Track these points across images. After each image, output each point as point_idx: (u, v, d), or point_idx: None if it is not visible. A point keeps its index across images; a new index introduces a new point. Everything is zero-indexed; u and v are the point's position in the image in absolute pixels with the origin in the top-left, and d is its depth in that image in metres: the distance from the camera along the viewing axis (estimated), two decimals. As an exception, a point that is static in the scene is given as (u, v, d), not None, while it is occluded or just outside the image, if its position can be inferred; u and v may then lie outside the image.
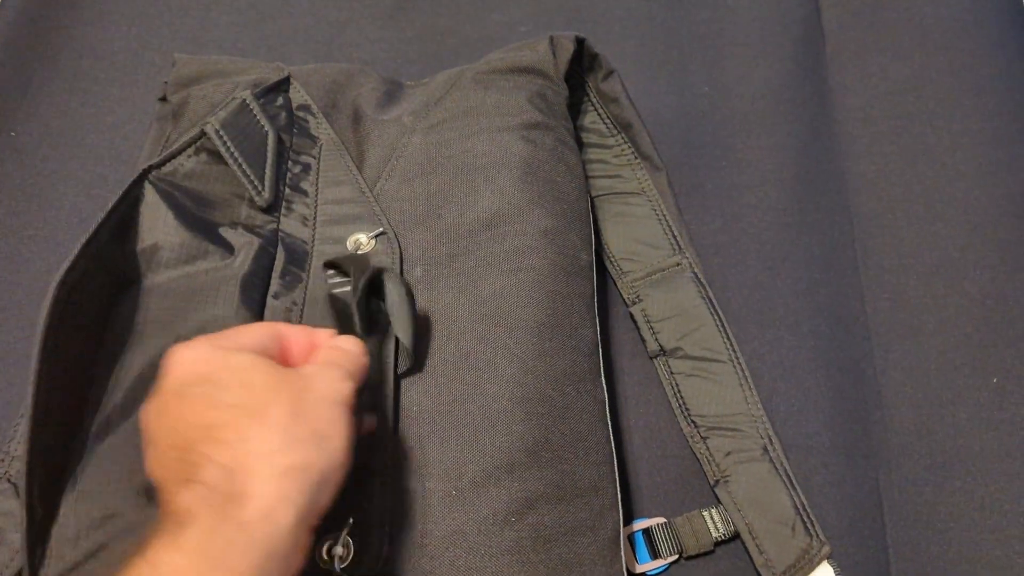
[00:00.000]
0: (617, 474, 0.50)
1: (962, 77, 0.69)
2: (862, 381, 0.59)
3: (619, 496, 0.50)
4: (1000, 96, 0.68)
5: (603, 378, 0.53)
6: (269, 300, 0.51)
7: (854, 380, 0.59)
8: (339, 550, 0.41)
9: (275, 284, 0.52)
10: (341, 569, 0.41)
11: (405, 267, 0.53)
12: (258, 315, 0.50)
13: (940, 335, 0.60)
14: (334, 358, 0.40)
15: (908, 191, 0.66)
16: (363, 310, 0.47)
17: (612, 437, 0.51)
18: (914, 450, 0.57)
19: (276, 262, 0.53)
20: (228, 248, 0.52)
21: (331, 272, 0.52)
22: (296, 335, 0.42)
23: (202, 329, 0.47)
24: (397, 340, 0.48)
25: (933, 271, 0.62)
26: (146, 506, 0.43)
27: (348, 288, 0.49)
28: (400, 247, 0.53)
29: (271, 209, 0.55)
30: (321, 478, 0.35)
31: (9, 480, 0.49)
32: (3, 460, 0.50)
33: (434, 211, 0.54)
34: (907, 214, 0.65)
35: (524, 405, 0.47)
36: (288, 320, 0.50)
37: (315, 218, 0.55)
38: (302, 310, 0.51)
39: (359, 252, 0.53)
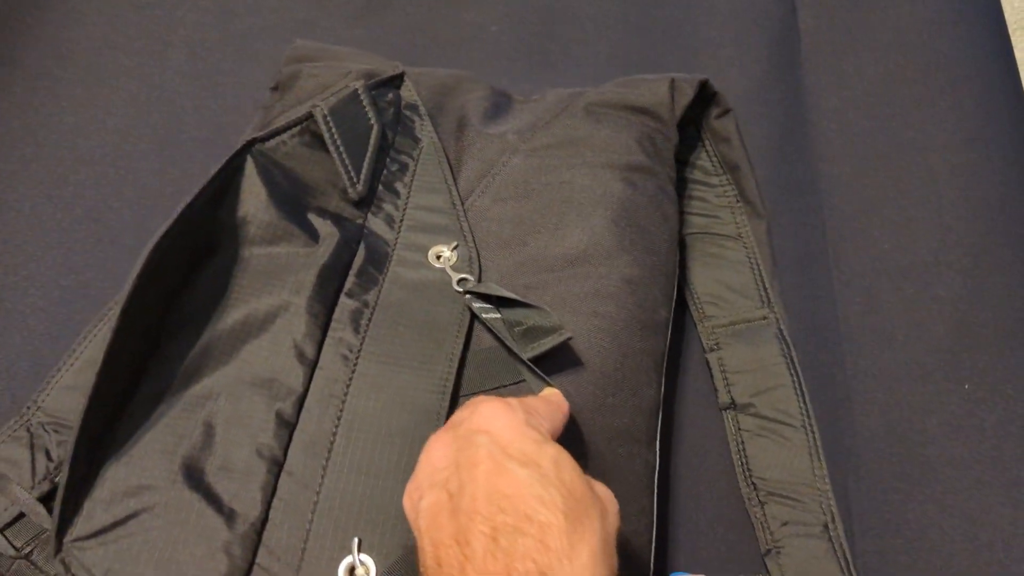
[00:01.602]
0: (654, 545, 0.48)
1: (937, 78, 0.69)
2: (832, 386, 0.59)
3: (652, 567, 0.48)
4: (975, 98, 0.68)
5: (658, 443, 0.51)
6: (342, 297, 0.50)
7: (824, 385, 0.59)
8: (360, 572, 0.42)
9: (350, 281, 0.51)
10: None
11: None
12: (329, 310, 0.49)
13: (912, 340, 0.60)
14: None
15: (882, 194, 0.65)
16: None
17: (656, 506, 0.50)
18: (884, 457, 0.56)
19: (356, 259, 0.52)
20: (313, 235, 0.51)
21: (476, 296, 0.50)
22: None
23: (274, 312, 0.48)
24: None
25: (905, 275, 0.62)
26: (183, 487, 0.43)
27: (494, 315, 0.49)
28: (481, 268, 0.52)
29: (361, 204, 0.54)
30: None
31: (28, 429, 0.48)
32: (28, 408, 0.49)
33: (520, 237, 0.53)
34: (880, 217, 0.65)
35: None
36: (355, 322, 0.49)
37: (402, 221, 0.54)
38: (372, 314, 0.50)
39: (436, 265, 0.52)
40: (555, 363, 0.48)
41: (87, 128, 0.69)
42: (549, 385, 0.46)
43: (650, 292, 0.53)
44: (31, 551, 0.44)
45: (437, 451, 0.37)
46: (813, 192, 0.66)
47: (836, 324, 0.61)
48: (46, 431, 0.48)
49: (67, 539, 0.43)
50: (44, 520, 0.44)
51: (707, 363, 0.59)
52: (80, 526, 0.43)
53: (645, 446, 0.50)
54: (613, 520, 0.36)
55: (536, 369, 0.46)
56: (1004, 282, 0.61)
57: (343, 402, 0.46)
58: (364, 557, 0.42)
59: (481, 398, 0.38)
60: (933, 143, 0.66)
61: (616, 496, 0.45)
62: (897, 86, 0.70)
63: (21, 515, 0.45)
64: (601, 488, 0.37)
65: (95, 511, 0.43)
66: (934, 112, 0.68)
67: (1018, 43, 0.75)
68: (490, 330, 0.49)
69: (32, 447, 0.47)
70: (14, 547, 0.44)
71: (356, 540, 0.42)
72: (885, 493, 0.55)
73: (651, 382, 0.51)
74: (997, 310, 0.60)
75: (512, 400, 0.38)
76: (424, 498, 0.35)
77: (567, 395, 0.45)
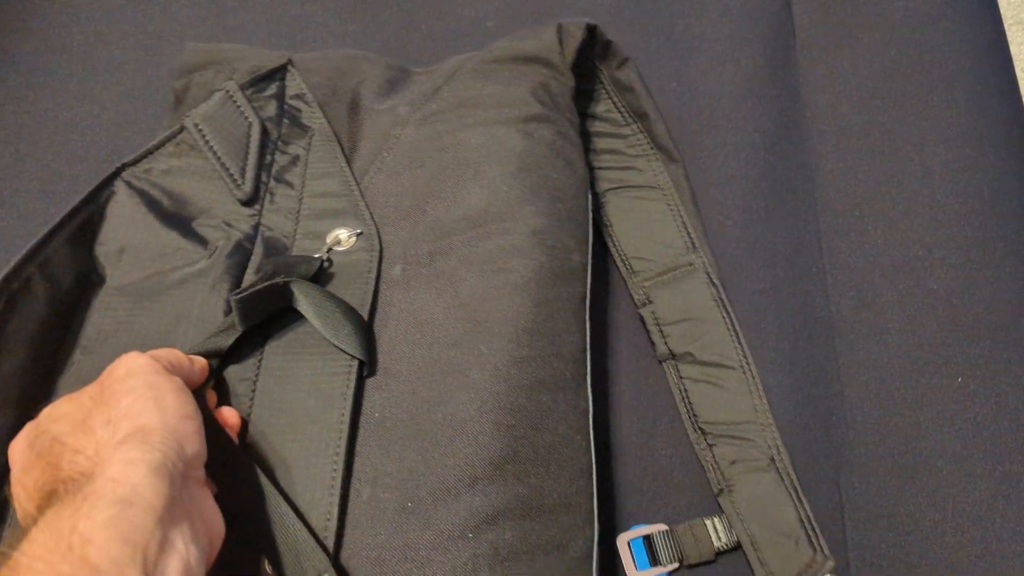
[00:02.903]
0: (596, 488, 0.49)
1: (931, 73, 0.69)
2: (825, 380, 0.59)
3: (595, 511, 0.48)
4: (969, 93, 0.68)
5: (589, 387, 0.51)
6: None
7: (816, 379, 0.59)
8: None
9: (248, 279, 0.50)
10: None
11: (384, 266, 0.51)
12: (226, 312, 0.49)
13: (905, 334, 0.60)
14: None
15: (875, 189, 0.65)
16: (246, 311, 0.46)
17: (598, 448, 0.50)
18: (876, 451, 0.56)
19: (253, 257, 0.51)
20: (203, 244, 0.51)
21: None
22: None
23: (173, 327, 0.48)
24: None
25: (899, 269, 0.62)
26: None
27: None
28: (381, 245, 0.51)
29: (252, 202, 0.54)
30: (162, 433, 0.36)
31: None
32: None
33: (419, 207, 0.53)
34: (874, 212, 0.64)
35: (493, 415, 0.45)
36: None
37: (299, 211, 0.54)
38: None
39: (338, 249, 0.52)
40: (469, 316, 0.48)
41: (81, 123, 0.69)
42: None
43: (560, 239, 0.52)
44: None
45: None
46: (806, 186, 0.66)
47: (829, 319, 0.61)
48: None
49: None
50: None
51: (641, 318, 0.60)
52: None
53: (572, 391, 0.49)
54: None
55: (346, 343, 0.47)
56: (997, 276, 0.61)
57: (251, 398, 0.46)
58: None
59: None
60: (927, 138, 0.66)
61: (547, 444, 0.46)
62: (891, 81, 0.69)
63: None
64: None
65: None
66: (928, 107, 0.68)
67: (1013, 38, 0.75)
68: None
69: None
70: None
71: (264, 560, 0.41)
72: (877, 486, 0.55)
73: (571, 328, 0.51)
74: (990, 304, 0.60)
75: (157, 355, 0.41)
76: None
77: (479, 356, 0.47)
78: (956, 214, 0.63)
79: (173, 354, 0.43)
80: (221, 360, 0.47)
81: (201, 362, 0.45)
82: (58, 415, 0.39)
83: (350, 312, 0.47)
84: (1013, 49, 0.73)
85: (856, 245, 0.63)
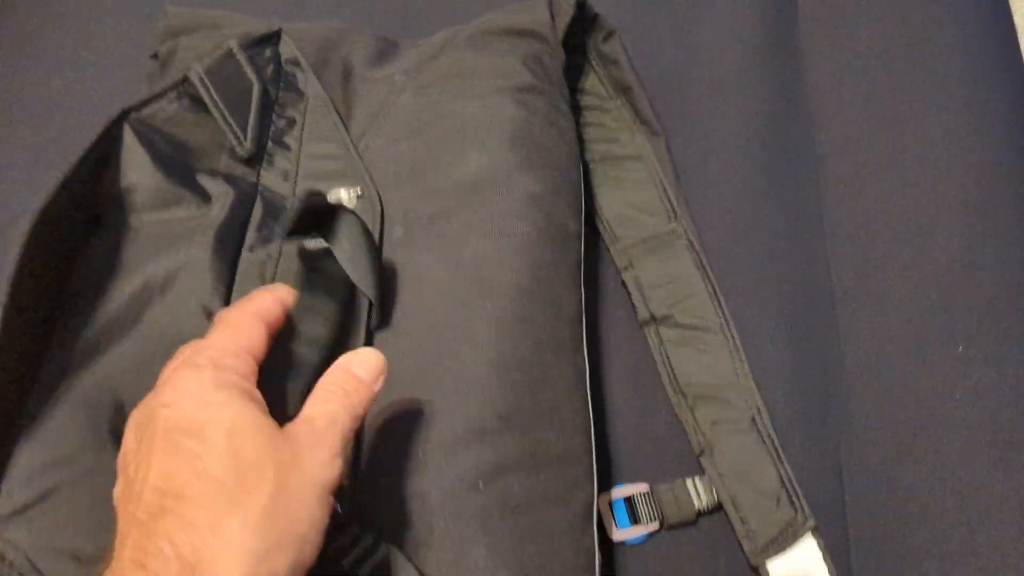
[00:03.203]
0: (594, 446, 0.49)
1: (933, 42, 0.68)
2: (825, 349, 0.58)
3: (595, 468, 0.49)
4: (972, 63, 0.67)
5: (585, 349, 0.52)
6: (244, 253, 0.50)
7: (817, 348, 0.58)
8: None
9: (251, 236, 0.50)
10: None
11: (385, 227, 0.52)
12: (231, 267, 0.49)
13: (906, 303, 0.59)
14: (340, 409, 0.37)
15: (877, 158, 0.65)
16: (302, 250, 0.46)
17: (591, 408, 0.50)
18: (876, 419, 0.56)
19: (253, 215, 0.51)
20: (205, 197, 0.51)
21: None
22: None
23: (173, 275, 0.47)
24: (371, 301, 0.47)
25: (900, 239, 0.61)
26: (101, 454, 0.42)
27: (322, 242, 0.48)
28: (382, 206, 0.52)
29: (252, 161, 0.54)
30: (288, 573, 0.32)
31: None
32: None
33: (419, 171, 0.53)
34: (875, 181, 0.64)
35: (500, 371, 0.46)
36: (262, 274, 0.49)
37: (296, 173, 0.54)
38: (277, 263, 0.50)
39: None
40: (472, 276, 0.49)
41: (77, 90, 0.68)
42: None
43: (556, 205, 0.53)
44: None
45: (127, 434, 0.35)
46: (809, 157, 0.65)
47: (829, 288, 0.60)
48: None
49: None
50: None
51: (624, 284, 0.60)
52: (3, 505, 0.42)
53: (571, 352, 0.50)
54: (308, 473, 0.34)
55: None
56: (1000, 245, 0.60)
57: None
58: None
59: (176, 364, 0.36)
60: (929, 107, 0.65)
61: (551, 401, 0.47)
62: (893, 50, 0.69)
63: None
64: (310, 443, 0.35)
65: (14, 490, 0.42)
66: (930, 77, 0.67)
67: (1017, 8, 0.74)
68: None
69: None
70: None
71: None
72: (876, 454, 0.54)
73: (569, 291, 0.52)
74: (992, 272, 0.59)
75: (202, 356, 0.36)
76: (116, 487, 0.34)
77: (485, 313, 0.47)
78: (958, 183, 0.63)
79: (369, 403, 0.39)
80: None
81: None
82: (237, 444, 0.33)
83: (375, 255, 0.47)
84: (1017, 20, 0.72)
85: (857, 215, 0.63)
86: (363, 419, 0.39)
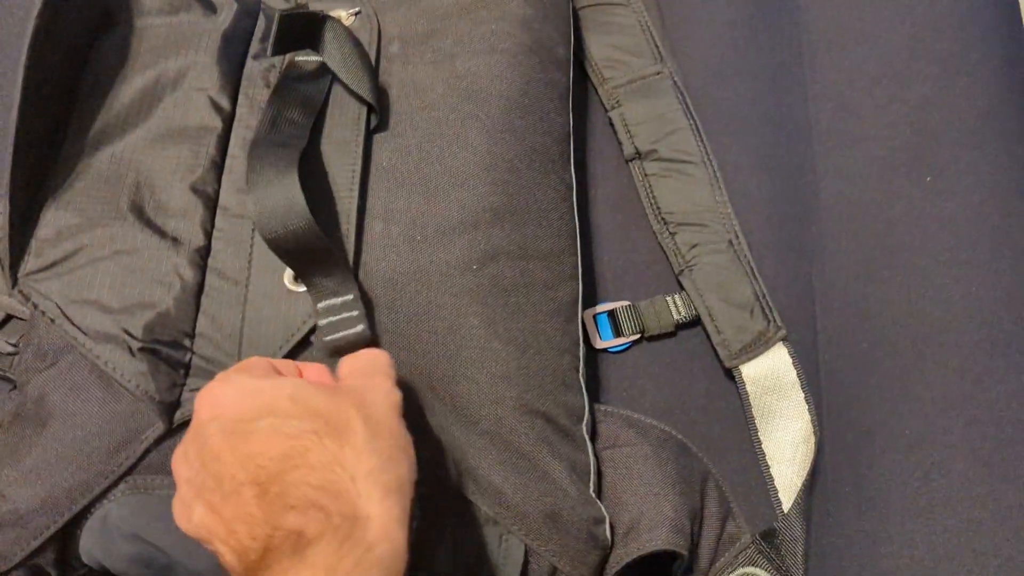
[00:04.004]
0: (579, 250, 0.52)
1: None
2: (801, 184, 0.61)
3: (579, 270, 0.52)
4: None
5: (572, 167, 0.54)
6: (249, 60, 0.52)
7: (793, 184, 0.61)
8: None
9: (255, 46, 0.53)
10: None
11: (383, 43, 0.54)
12: (238, 69, 0.52)
13: (879, 141, 0.62)
14: (379, 364, 0.40)
15: (856, 7, 0.67)
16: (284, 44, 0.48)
17: (577, 219, 0.53)
18: (848, 244, 0.59)
19: (257, 28, 0.54)
20: (210, 7, 0.53)
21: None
22: (285, 367, 0.41)
23: (184, 71, 0.50)
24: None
25: (877, 82, 0.64)
26: (123, 222, 0.46)
27: (314, 56, 0.50)
28: (379, 24, 0.54)
29: None
30: (409, 492, 0.35)
31: None
32: None
33: None
34: (854, 30, 0.66)
35: (491, 172, 0.49)
36: (266, 80, 0.51)
37: None
38: (280, 71, 0.52)
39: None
40: (465, 87, 0.51)
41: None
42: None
43: (545, 29, 0.55)
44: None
45: (179, 464, 0.36)
46: (790, 5, 0.67)
47: (808, 126, 0.63)
48: None
49: (21, 274, 0.46)
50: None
51: (610, 122, 0.62)
52: (31, 262, 0.46)
53: (560, 166, 0.53)
54: (380, 402, 0.37)
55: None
56: (969, 85, 0.62)
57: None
58: None
59: (204, 387, 0.38)
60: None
61: (540, 203, 0.50)
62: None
63: (8, 317, 0.48)
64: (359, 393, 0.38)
65: (43, 249, 0.46)
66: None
67: None
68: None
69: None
70: (11, 344, 0.48)
71: None
72: (847, 279, 0.58)
73: (558, 110, 0.54)
74: (961, 111, 0.62)
75: (228, 372, 0.38)
76: (194, 512, 0.34)
77: (477, 120, 0.50)
78: (933, 29, 0.65)
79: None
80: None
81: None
82: (304, 400, 0.35)
83: (367, 61, 0.50)
84: None
85: (836, 60, 0.65)
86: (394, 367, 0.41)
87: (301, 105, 0.48)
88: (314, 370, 0.41)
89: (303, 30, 0.49)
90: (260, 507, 0.32)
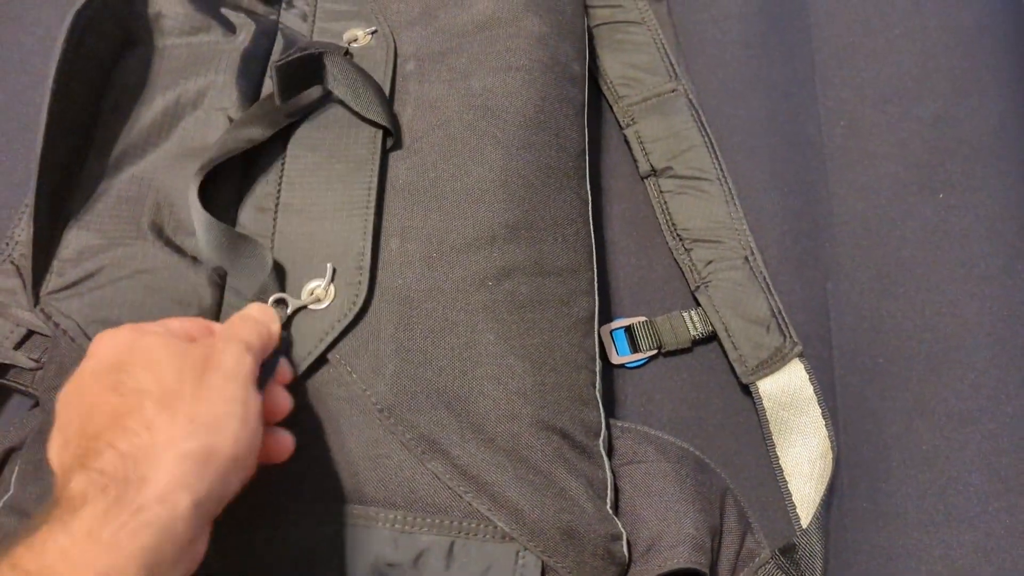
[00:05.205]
0: (595, 266, 0.52)
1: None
2: (815, 201, 0.62)
3: (595, 285, 0.52)
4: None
5: (588, 183, 0.55)
6: (267, 80, 0.53)
7: (807, 200, 0.61)
8: (319, 291, 0.46)
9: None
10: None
11: (399, 61, 0.54)
12: (256, 87, 0.53)
13: (892, 158, 0.63)
14: (238, 330, 0.40)
15: (867, 25, 0.67)
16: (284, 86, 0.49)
17: (593, 235, 0.53)
18: (862, 262, 0.59)
19: (275, 46, 0.55)
20: (230, 27, 0.54)
21: None
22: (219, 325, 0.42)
23: (204, 91, 0.51)
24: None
25: (888, 99, 0.65)
26: (144, 242, 0.47)
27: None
28: (395, 43, 0.55)
29: (272, 2, 0.57)
30: (223, 463, 0.34)
31: (12, 262, 0.51)
32: (8, 244, 0.52)
33: (430, 13, 0.56)
34: (866, 47, 0.67)
35: (507, 188, 0.49)
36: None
37: (314, 15, 0.57)
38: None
39: (354, 46, 0.55)
40: (481, 104, 0.52)
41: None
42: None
43: (560, 47, 0.56)
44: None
45: (62, 395, 0.37)
46: (802, 23, 0.68)
47: (820, 144, 0.63)
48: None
49: (43, 293, 0.46)
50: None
51: (625, 139, 0.63)
52: (53, 281, 0.47)
53: (576, 181, 0.53)
54: (222, 367, 0.36)
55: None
56: (980, 103, 0.63)
57: (283, 162, 0.50)
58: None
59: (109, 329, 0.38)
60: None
61: (555, 218, 0.51)
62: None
63: (30, 333, 0.49)
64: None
65: (65, 269, 0.47)
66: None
67: None
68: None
69: (21, 275, 0.50)
70: (33, 360, 0.49)
71: (329, 267, 0.47)
72: (862, 294, 0.58)
73: (574, 127, 0.55)
74: (973, 128, 0.62)
75: (144, 323, 0.39)
76: (51, 444, 0.35)
77: (493, 137, 0.50)
78: (944, 46, 0.66)
79: (271, 338, 0.42)
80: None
81: (276, 330, 0.44)
82: (155, 361, 0.35)
83: (376, 87, 0.51)
84: None
85: (848, 77, 0.66)
86: (267, 354, 0.41)
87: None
88: (195, 323, 0.41)
89: (305, 72, 0.50)
90: (68, 458, 0.33)
